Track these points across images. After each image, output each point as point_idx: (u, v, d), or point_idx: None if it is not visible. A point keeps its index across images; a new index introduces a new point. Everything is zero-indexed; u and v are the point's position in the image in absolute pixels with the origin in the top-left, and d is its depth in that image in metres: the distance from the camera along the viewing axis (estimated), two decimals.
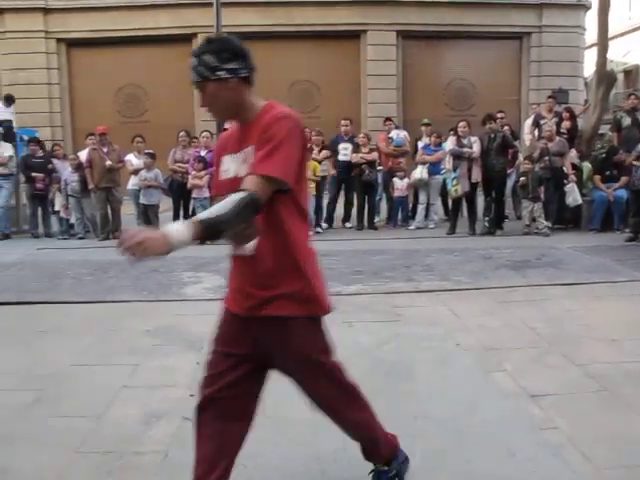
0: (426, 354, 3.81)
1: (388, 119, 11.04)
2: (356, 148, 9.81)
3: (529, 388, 3.24)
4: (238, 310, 2.07)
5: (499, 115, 10.07)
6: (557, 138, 9.25)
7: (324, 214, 10.11)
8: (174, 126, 11.20)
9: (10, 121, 10.80)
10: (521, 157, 10.51)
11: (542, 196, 8.86)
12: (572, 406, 3.03)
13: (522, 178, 9.03)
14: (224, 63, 1.99)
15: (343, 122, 10.21)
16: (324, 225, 10.03)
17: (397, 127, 10.86)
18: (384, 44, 16.64)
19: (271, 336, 2.04)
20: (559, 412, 2.95)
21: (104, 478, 2.49)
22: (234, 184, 1.90)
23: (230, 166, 2.03)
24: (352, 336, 4.17)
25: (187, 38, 16.26)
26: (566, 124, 10.19)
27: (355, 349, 3.90)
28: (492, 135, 9.01)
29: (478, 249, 7.69)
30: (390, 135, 10.36)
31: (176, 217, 9.45)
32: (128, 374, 3.58)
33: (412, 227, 9.83)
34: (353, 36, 16.85)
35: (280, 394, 3.19)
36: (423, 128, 10.59)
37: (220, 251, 6.80)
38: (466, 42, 17.26)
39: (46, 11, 15.92)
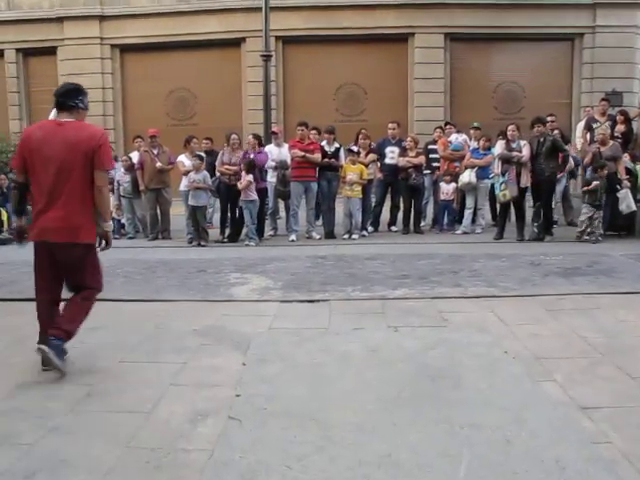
0: (473, 361, 3.74)
1: (448, 123, 10.96)
2: (403, 152, 9.76)
3: (580, 399, 3.15)
4: None
5: (549, 118, 9.84)
6: (611, 142, 8.97)
7: (370, 217, 10.09)
8: (222, 129, 11.36)
9: None
10: (572, 161, 10.25)
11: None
12: (626, 420, 2.92)
13: (595, 182, 8.62)
14: None
15: (390, 125, 10.17)
16: (370, 228, 10.01)
17: (458, 131, 10.74)
18: (432, 47, 16.47)
19: None
20: (612, 426, 2.86)
21: (152, 473, 2.54)
22: None
23: None
24: (398, 341, 4.15)
25: (235, 43, 16.52)
26: (620, 127, 9.89)
27: (400, 354, 3.88)
28: (541, 139, 8.81)
29: (526, 255, 7.52)
30: (449, 139, 10.27)
31: (224, 219, 9.60)
32: (175, 372, 3.64)
33: (459, 232, 9.70)
34: (400, 39, 16.72)
35: (325, 398, 3.22)
36: (472, 132, 10.45)
37: (266, 253, 6.90)
38: (515, 44, 16.91)
39: (102, 18, 16.41)
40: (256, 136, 9.66)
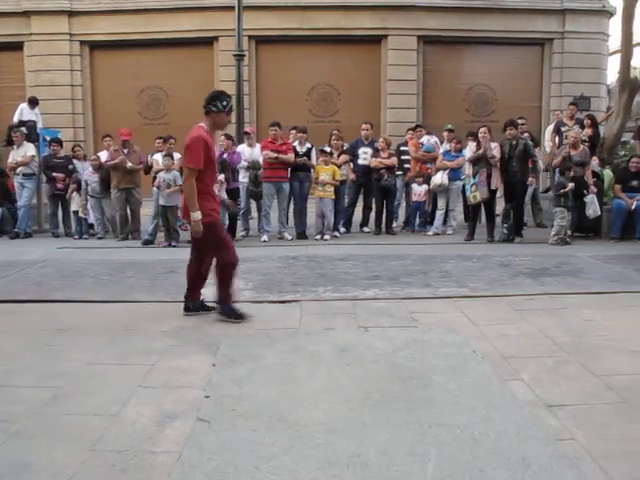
0: (442, 361, 3.78)
1: (419, 126, 11.04)
2: (375, 153, 9.80)
3: (546, 398, 3.20)
4: None
5: (520, 121, 10.00)
6: (581, 147, 9.14)
7: (342, 218, 10.11)
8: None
9: (34, 122, 10.97)
10: (541, 165, 10.42)
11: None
12: (590, 418, 2.98)
13: (571, 184, 8.70)
14: None
15: (364, 126, 10.20)
16: (342, 229, 10.03)
17: (429, 133, 10.83)
18: (405, 49, 16.63)
19: None
20: (576, 423, 2.91)
21: (118, 476, 2.50)
22: None
23: None
24: (368, 341, 4.16)
25: (208, 41, 16.43)
26: (588, 131, 10.09)
27: (371, 354, 3.89)
28: (514, 142, 8.94)
29: (496, 256, 7.63)
30: (421, 140, 10.35)
31: None
32: (144, 374, 3.59)
33: (430, 233, 9.79)
34: (374, 41, 16.85)
35: (295, 398, 3.21)
36: (445, 134, 10.55)
37: (239, 253, 6.84)
38: (487, 48, 17.18)
39: (71, 14, 16.15)
40: (228, 136, 9.60)
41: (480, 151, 8.88)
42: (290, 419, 2.97)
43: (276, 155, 9.16)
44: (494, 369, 3.64)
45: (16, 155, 10.10)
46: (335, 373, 3.57)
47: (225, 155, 9.13)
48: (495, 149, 8.89)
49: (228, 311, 4.67)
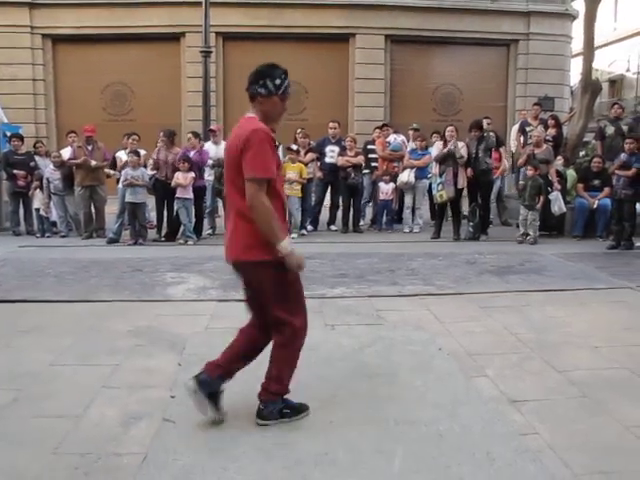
0: (408, 358, 3.81)
1: (385, 125, 11.08)
2: (343, 151, 9.82)
3: (510, 394, 3.26)
4: None
5: (486, 121, 10.14)
6: (544, 145, 9.32)
7: (309, 216, 10.10)
8: (159, 125, 11.11)
9: None
10: (506, 163, 10.59)
11: (538, 205, 8.69)
12: (552, 412, 3.04)
13: (521, 182, 8.92)
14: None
15: (331, 125, 10.21)
16: (309, 227, 10.02)
17: (396, 132, 10.88)
18: (372, 47, 16.70)
19: None
20: (539, 418, 2.97)
21: (81, 479, 2.45)
22: None
23: None
24: (334, 339, 4.18)
25: (175, 37, 16.23)
26: (551, 131, 10.28)
27: (337, 352, 3.91)
28: (480, 139, 9.07)
29: (462, 254, 7.72)
30: (388, 139, 10.39)
31: (159, 216, 9.39)
32: (108, 374, 3.54)
33: (406, 230, 9.90)
34: (342, 39, 16.88)
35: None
36: (411, 132, 10.63)
37: (204, 252, 6.75)
38: (454, 48, 17.37)
39: (32, 6, 15.73)
40: (196, 134, 9.50)
41: (446, 150, 8.98)
42: (254, 419, 2.96)
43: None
44: (460, 366, 3.69)
45: None
46: (302, 371, 3.55)
47: (192, 153, 9.04)
48: (462, 148, 8.99)
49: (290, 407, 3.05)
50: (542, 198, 8.68)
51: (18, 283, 6.11)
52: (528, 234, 8.72)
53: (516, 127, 11.54)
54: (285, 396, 3.02)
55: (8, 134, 10.67)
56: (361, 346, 4.03)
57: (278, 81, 2.91)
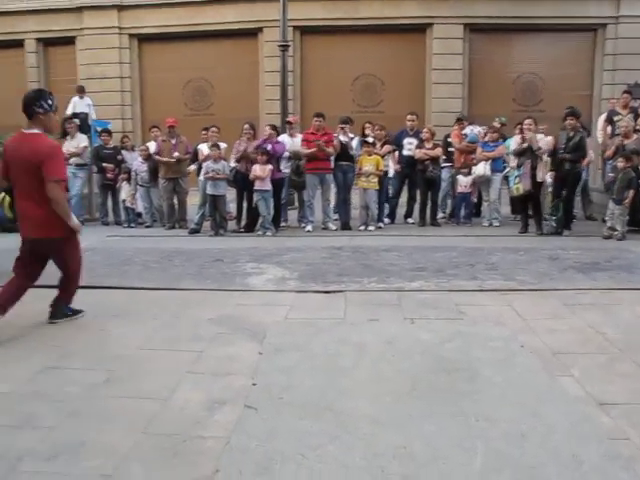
0: (489, 354, 3.73)
1: (460, 120, 10.80)
2: (420, 143, 9.70)
3: (597, 395, 3.13)
4: None
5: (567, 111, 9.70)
6: (634, 136, 8.82)
7: (386, 209, 10.06)
8: (238, 119, 11.36)
9: (85, 114, 11.28)
10: (592, 154, 10.11)
11: (627, 200, 8.22)
12: None
13: (611, 174, 8.45)
14: None
15: (409, 117, 10.11)
16: (386, 220, 9.98)
17: (471, 123, 10.63)
18: (450, 37, 16.32)
19: None
20: (631, 423, 2.83)
21: (170, 459, 2.56)
22: None
23: None
24: (414, 333, 4.15)
25: (253, 32, 16.49)
26: None
27: (416, 346, 3.87)
28: (571, 133, 8.66)
29: (544, 249, 7.46)
30: (464, 132, 10.17)
31: (239, 207, 9.64)
32: (192, 360, 3.67)
33: (485, 224, 9.67)
34: (419, 29, 16.59)
35: (341, 388, 3.22)
36: (497, 124, 10.29)
37: (282, 243, 6.88)
38: (535, 35, 16.69)
39: (120, 8, 16.45)
40: (273, 126, 9.66)
41: (525, 144, 8.67)
42: (336, 409, 2.99)
43: (310, 151, 9.19)
44: (543, 364, 3.57)
45: (69, 146, 10.39)
46: (381, 364, 3.57)
47: (269, 145, 9.19)
48: (542, 141, 8.64)
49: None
50: (632, 192, 8.23)
51: (107, 270, 6.44)
52: (615, 229, 8.29)
53: (603, 116, 10.98)
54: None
55: (98, 129, 11.25)
56: (441, 340, 3.97)
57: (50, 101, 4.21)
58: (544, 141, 8.66)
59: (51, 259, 4.40)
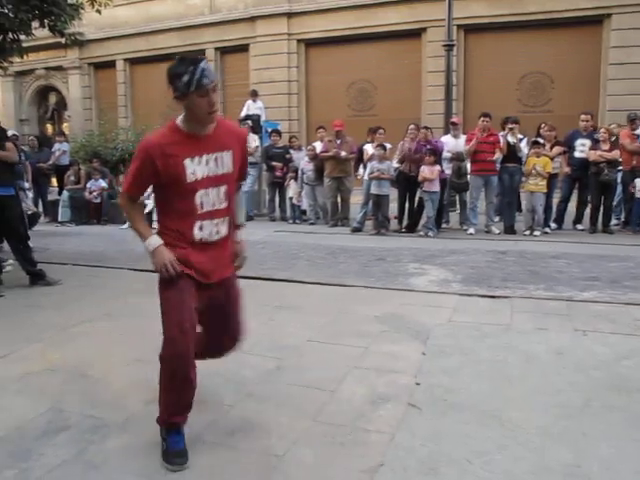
0: None
1: (633, 119, 9.93)
2: (594, 145, 9.05)
3: None
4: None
5: None
6: None
7: (553, 214, 9.54)
8: (400, 120, 11.42)
9: (258, 115, 12.06)
10: None
11: None
12: None
13: None
14: None
15: (583, 117, 9.49)
16: (553, 225, 9.48)
17: None
18: (632, 28, 14.94)
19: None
20: None
21: (337, 448, 2.67)
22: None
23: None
24: (586, 346, 3.91)
25: (416, 33, 16.43)
26: None
27: (590, 360, 3.66)
28: None
29: None
30: (636, 132, 9.33)
31: (401, 207, 9.71)
32: (358, 355, 3.78)
33: None
34: (593, 22, 15.41)
35: (508, 397, 3.15)
36: None
37: (445, 245, 6.83)
38: None
39: (289, 15, 17.31)
40: (425, 127, 9.65)
41: None
42: (503, 417, 2.92)
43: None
44: None
45: None
46: (551, 376, 3.42)
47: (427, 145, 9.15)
48: None
49: None
50: None
51: (276, 264, 6.84)
52: None
53: None
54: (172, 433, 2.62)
55: (269, 130, 11.96)
56: (617, 357, 3.71)
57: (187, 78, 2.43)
58: None
59: None
